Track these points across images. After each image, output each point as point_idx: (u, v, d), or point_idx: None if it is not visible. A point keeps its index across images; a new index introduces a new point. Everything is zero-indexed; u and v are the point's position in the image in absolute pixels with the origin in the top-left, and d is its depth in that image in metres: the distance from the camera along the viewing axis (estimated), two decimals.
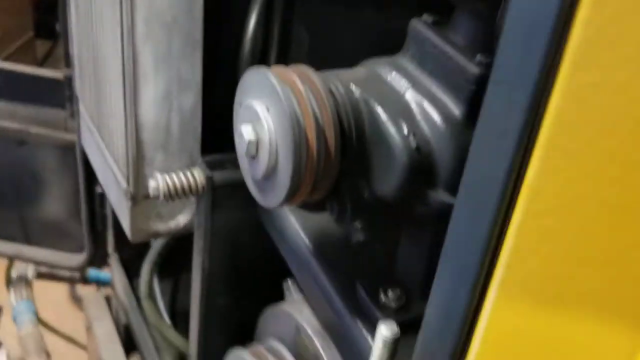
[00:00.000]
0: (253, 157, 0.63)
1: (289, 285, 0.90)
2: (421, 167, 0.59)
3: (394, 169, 0.59)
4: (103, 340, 1.33)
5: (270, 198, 0.65)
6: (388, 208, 0.65)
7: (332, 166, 0.61)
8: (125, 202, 0.92)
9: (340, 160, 0.61)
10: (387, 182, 0.60)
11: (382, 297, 0.69)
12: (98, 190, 1.36)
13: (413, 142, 0.58)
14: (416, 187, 0.60)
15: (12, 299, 1.49)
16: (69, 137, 1.31)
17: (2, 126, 1.36)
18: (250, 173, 0.66)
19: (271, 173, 0.62)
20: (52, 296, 2.74)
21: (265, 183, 0.65)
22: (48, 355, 1.35)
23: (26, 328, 1.38)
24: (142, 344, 1.25)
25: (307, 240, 0.79)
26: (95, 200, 1.37)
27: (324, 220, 0.83)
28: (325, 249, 0.78)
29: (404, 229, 0.70)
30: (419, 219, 0.66)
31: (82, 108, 1.12)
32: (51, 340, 1.96)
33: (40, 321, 1.58)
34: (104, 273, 1.84)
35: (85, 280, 1.77)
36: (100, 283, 1.75)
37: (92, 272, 1.79)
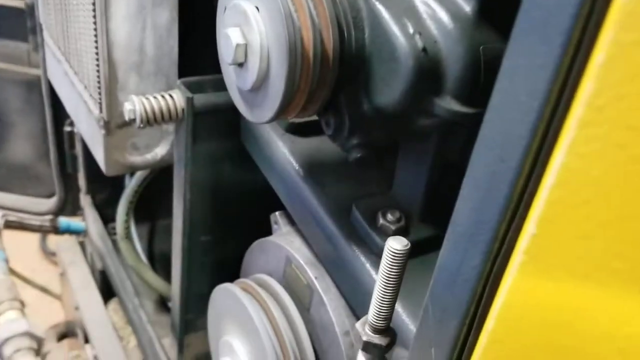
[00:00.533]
0: (241, 64, 0.57)
1: (277, 218, 0.85)
2: (428, 70, 0.53)
3: (398, 73, 0.53)
4: (78, 286, 1.28)
5: (261, 111, 0.59)
6: (389, 122, 0.60)
7: (329, 72, 0.55)
8: (98, 131, 0.86)
9: (338, 65, 0.55)
10: (390, 89, 0.55)
11: (380, 219, 0.65)
12: (67, 129, 1.29)
13: (419, 43, 0.53)
14: (422, 94, 0.55)
15: None
16: (33, 71, 1.22)
17: None
18: (237, 85, 0.60)
19: (262, 82, 0.56)
20: (22, 248, 2.66)
21: (255, 95, 0.59)
22: (22, 303, 1.29)
23: None
24: (121, 288, 1.20)
25: (297, 166, 0.74)
26: (64, 140, 1.30)
27: (314, 144, 0.79)
28: (317, 174, 0.73)
29: (405, 147, 0.65)
30: (421, 134, 0.62)
31: (47, 37, 1.04)
32: (23, 292, 1.91)
33: (11, 272, 1.52)
34: (75, 222, 1.77)
35: (56, 231, 1.70)
36: (71, 233, 1.68)
37: (63, 221, 1.73)
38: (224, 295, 0.79)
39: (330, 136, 0.63)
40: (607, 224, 0.24)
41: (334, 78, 0.56)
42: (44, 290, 1.76)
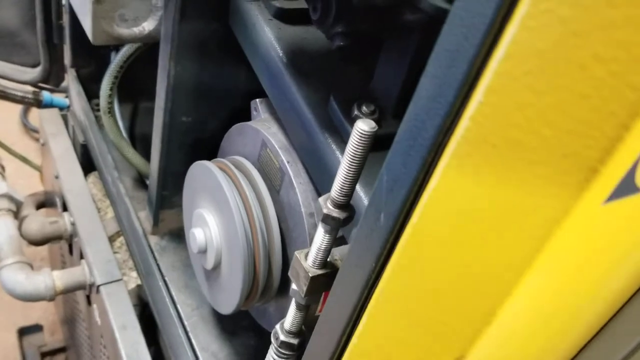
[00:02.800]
0: None
1: (257, 105, 0.88)
2: None
3: None
4: (59, 156, 1.30)
5: None
6: (374, 13, 0.61)
7: None
8: None
9: None
10: None
11: (355, 111, 0.68)
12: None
13: None
14: None
15: None
16: None
17: None
18: None
19: None
20: (2, 121, 2.67)
21: None
22: (3, 167, 1.32)
23: None
24: (101, 161, 1.23)
25: (281, 52, 0.75)
26: (52, 8, 1.28)
27: (300, 33, 0.80)
28: (300, 63, 0.75)
29: (387, 42, 0.67)
30: (404, 30, 0.63)
31: None
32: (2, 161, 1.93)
33: None
34: (58, 98, 1.77)
35: (39, 104, 1.70)
36: (54, 107, 1.69)
37: (47, 96, 1.73)
38: (201, 170, 0.83)
39: (315, 21, 0.64)
40: (543, 93, 0.27)
41: None
42: (23, 160, 1.79)
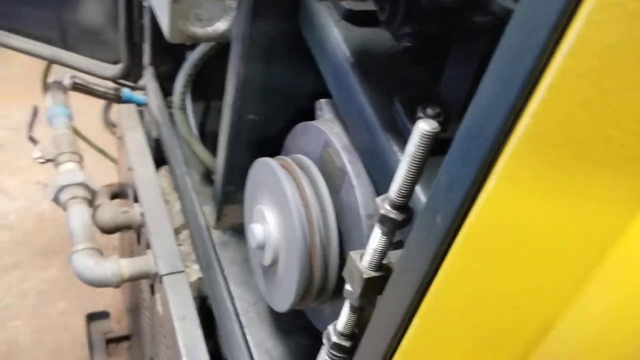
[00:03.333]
0: None
1: (322, 105, 0.88)
2: None
3: None
4: (133, 150, 1.36)
5: None
6: (443, 14, 0.60)
7: None
8: None
9: None
10: None
11: (420, 113, 0.67)
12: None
13: None
14: None
15: (48, 102, 1.51)
16: None
17: None
18: None
19: None
20: (86, 115, 2.80)
21: None
22: (81, 157, 1.39)
23: (60, 129, 1.41)
24: (171, 156, 1.27)
25: (348, 53, 0.75)
26: (134, 9, 1.33)
27: (367, 35, 0.79)
28: (366, 64, 0.75)
29: (455, 44, 0.66)
30: (473, 32, 0.62)
31: None
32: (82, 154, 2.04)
33: (74, 132, 1.62)
34: (137, 95, 1.85)
35: (118, 100, 1.78)
36: (134, 103, 1.76)
37: (127, 92, 1.81)
38: (263, 167, 0.84)
39: (383, 22, 0.64)
40: (609, 91, 0.26)
41: None
42: (101, 152, 1.88)
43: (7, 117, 2.91)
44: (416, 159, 0.51)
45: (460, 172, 0.38)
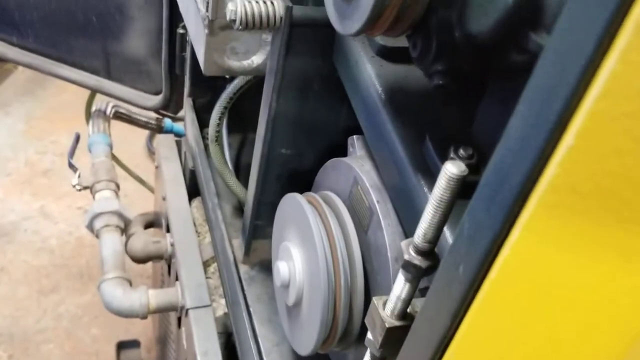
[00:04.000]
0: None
1: (354, 142, 0.86)
2: (528, 1, 0.51)
3: (497, 1, 0.51)
4: (168, 180, 1.37)
5: (350, 22, 0.59)
6: (477, 53, 0.58)
7: None
8: (202, 30, 0.89)
9: None
10: (486, 17, 0.53)
11: (452, 153, 0.64)
12: (180, 31, 1.35)
13: None
14: (518, 26, 0.53)
15: (90, 130, 1.54)
16: None
17: None
18: None
19: None
20: (130, 145, 2.87)
21: (347, 5, 0.59)
22: (117, 185, 1.40)
23: (99, 157, 1.43)
24: (205, 187, 1.27)
25: (380, 89, 0.74)
26: (175, 41, 1.36)
27: (401, 72, 0.78)
28: (399, 101, 0.73)
29: (490, 82, 0.63)
30: (510, 71, 0.59)
31: None
32: (123, 183, 2.07)
33: (114, 158, 1.65)
34: (178, 126, 1.88)
35: (160, 130, 1.80)
36: (173, 133, 1.79)
37: (168, 123, 1.84)
38: (290, 203, 0.82)
39: (415, 59, 0.62)
40: None
41: None
42: (140, 181, 1.90)
43: (55, 142, 3.00)
44: (443, 203, 0.48)
45: (484, 221, 0.35)
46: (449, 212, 0.49)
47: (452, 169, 0.47)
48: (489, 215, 0.35)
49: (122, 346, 2.00)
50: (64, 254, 2.52)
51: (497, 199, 0.34)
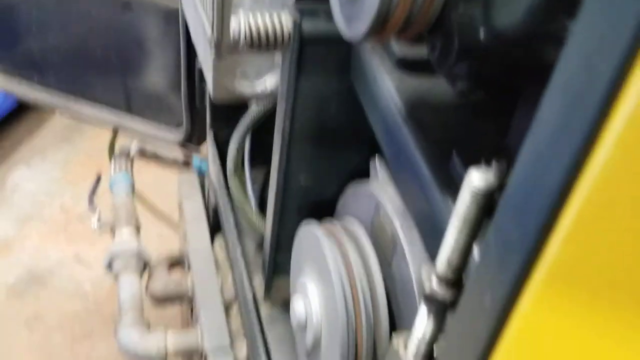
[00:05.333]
0: None
1: (376, 164, 0.78)
2: None
3: None
4: (190, 218, 1.31)
5: (357, 22, 0.52)
6: (505, 51, 0.50)
7: None
8: (209, 53, 0.84)
9: None
10: (515, 6, 0.46)
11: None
12: (199, 65, 1.31)
13: None
14: (552, 14, 0.45)
15: (112, 170, 1.51)
16: (173, 4, 1.25)
17: None
18: None
19: None
20: (164, 186, 2.84)
21: (352, 4, 0.52)
22: (138, 226, 1.35)
23: (120, 197, 1.39)
24: (225, 223, 1.20)
25: (400, 104, 0.66)
26: (194, 74, 1.32)
27: (424, 85, 0.70)
28: (421, 116, 0.65)
29: (524, 86, 0.55)
30: (545, 71, 0.51)
31: None
32: (154, 225, 2.03)
33: (139, 197, 1.61)
34: (206, 162, 1.83)
35: (188, 167, 1.77)
36: (202, 172, 1.74)
37: (196, 160, 1.80)
38: (307, 234, 0.75)
39: (434, 62, 0.54)
40: None
41: None
42: (165, 218, 1.85)
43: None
44: (467, 221, 0.40)
45: (515, 236, 0.27)
46: (475, 233, 0.40)
47: (476, 180, 0.39)
48: (520, 228, 0.27)
49: None
50: (97, 299, 2.48)
51: (529, 205, 0.26)
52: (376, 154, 0.78)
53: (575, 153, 0.22)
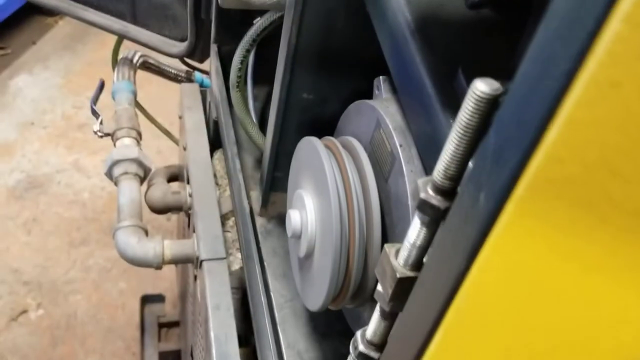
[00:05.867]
0: None
1: (380, 83, 0.78)
2: None
3: None
4: (190, 130, 1.31)
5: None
6: None
7: None
8: None
9: None
10: None
11: None
12: None
13: None
14: None
15: (115, 78, 1.50)
16: None
17: None
18: None
19: None
20: (166, 101, 2.83)
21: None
22: (139, 134, 1.35)
23: (122, 104, 1.38)
24: (225, 136, 1.21)
25: (409, 17, 0.65)
26: None
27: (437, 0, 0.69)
28: (430, 31, 0.64)
29: (535, 4, 0.54)
30: None
31: None
32: (156, 138, 2.03)
33: (140, 108, 1.60)
34: (209, 80, 1.81)
35: (190, 82, 1.75)
36: (204, 87, 1.73)
37: (198, 76, 1.78)
38: (306, 147, 0.75)
39: None
40: None
41: None
42: (167, 134, 1.86)
43: None
44: (469, 130, 0.40)
45: (514, 134, 0.27)
46: (476, 142, 0.40)
47: (481, 86, 0.38)
48: (520, 125, 0.27)
49: (146, 300, 1.99)
50: (95, 208, 2.52)
51: (530, 104, 0.26)
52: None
53: (585, 38, 0.22)
